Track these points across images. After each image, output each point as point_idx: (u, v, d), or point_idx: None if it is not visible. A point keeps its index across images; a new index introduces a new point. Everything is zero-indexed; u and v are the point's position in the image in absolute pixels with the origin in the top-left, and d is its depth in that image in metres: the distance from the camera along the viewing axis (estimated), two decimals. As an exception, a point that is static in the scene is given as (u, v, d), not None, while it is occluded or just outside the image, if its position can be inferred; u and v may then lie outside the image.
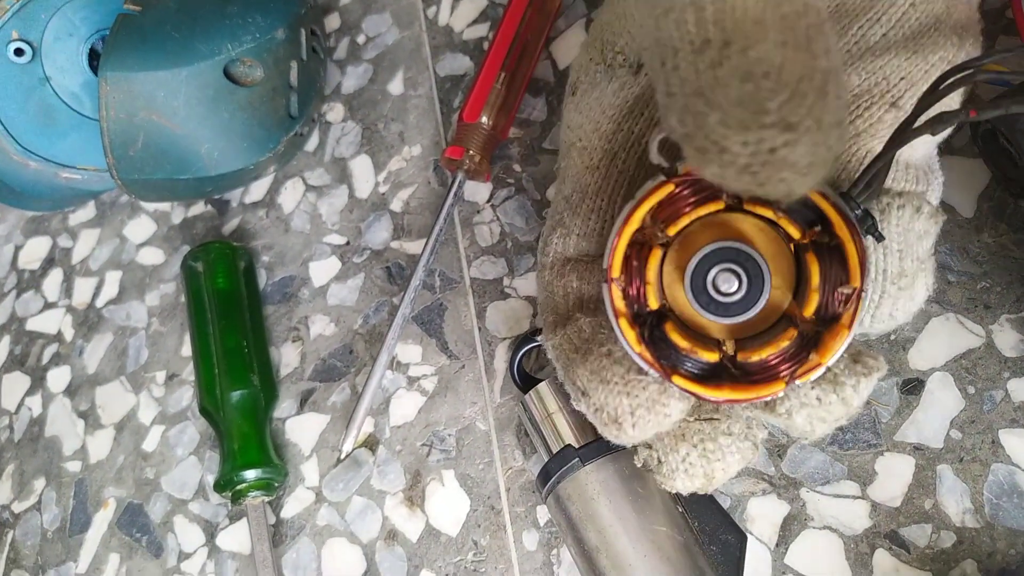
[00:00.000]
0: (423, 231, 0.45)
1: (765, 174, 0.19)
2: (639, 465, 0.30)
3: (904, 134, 0.25)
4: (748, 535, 0.33)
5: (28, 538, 0.47)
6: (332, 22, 0.53)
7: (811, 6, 0.20)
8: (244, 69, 0.42)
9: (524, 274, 0.42)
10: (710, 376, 0.26)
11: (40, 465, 0.49)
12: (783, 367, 0.25)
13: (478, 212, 0.44)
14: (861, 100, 0.29)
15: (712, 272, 0.25)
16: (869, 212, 0.25)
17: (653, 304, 0.26)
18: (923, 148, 0.29)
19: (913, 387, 0.33)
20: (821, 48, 0.20)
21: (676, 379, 0.26)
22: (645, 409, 0.27)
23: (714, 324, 0.26)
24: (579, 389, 0.29)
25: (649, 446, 0.29)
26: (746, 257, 0.25)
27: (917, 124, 0.25)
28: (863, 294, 0.24)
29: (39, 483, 0.49)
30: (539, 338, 0.32)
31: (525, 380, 0.38)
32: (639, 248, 0.26)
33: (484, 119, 0.42)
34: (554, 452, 0.33)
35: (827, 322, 0.25)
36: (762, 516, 0.33)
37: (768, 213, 0.24)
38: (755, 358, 0.25)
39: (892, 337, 0.34)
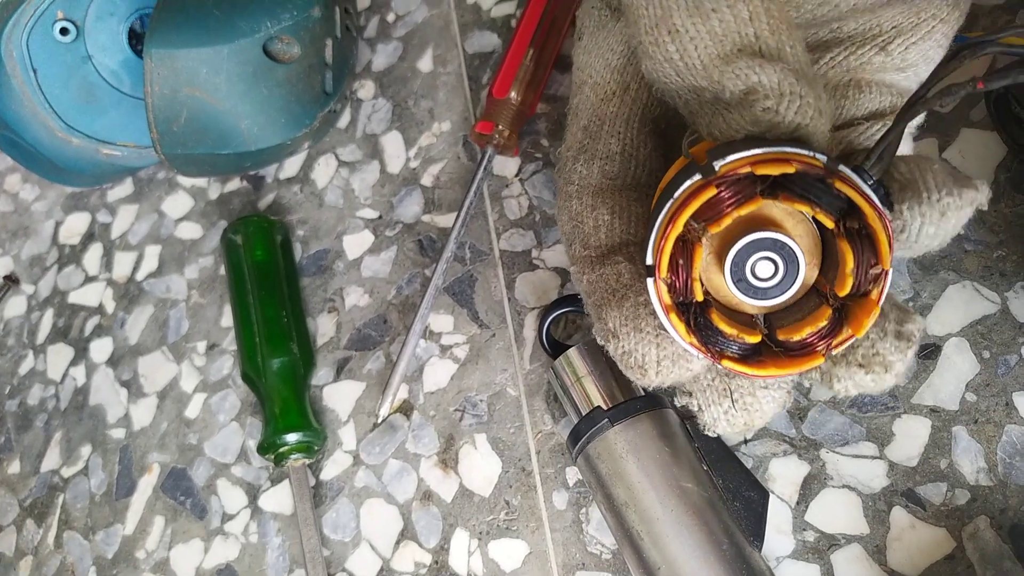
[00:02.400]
0: (453, 205, 0.46)
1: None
2: (679, 405, 0.32)
3: (913, 107, 0.26)
4: (770, 493, 0.34)
5: (78, 501, 0.49)
6: (362, 1, 0.54)
7: (759, 32, 0.27)
8: (282, 46, 0.44)
9: (552, 246, 0.43)
10: (752, 354, 0.28)
11: (86, 432, 0.51)
12: (820, 342, 0.27)
13: (507, 186, 0.45)
14: (855, 41, 0.31)
15: (750, 261, 0.26)
16: (882, 183, 0.27)
17: (699, 297, 0.27)
18: (899, 78, 0.32)
19: (930, 352, 0.34)
20: (783, 52, 0.27)
21: (724, 362, 0.27)
22: (671, 361, 0.29)
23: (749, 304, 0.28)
24: (609, 330, 0.30)
25: (689, 394, 0.31)
26: (781, 245, 0.26)
27: (930, 95, 0.26)
28: (889, 272, 0.26)
29: (85, 449, 0.51)
30: (571, 268, 0.33)
31: (554, 347, 0.39)
32: (682, 244, 0.27)
33: (513, 95, 0.43)
34: (584, 414, 0.35)
35: (857, 297, 0.26)
36: (783, 476, 0.35)
37: (804, 208, 0.25)
38: (796, 337, 0.27)
39: (911, 304, 0.35)
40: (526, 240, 0.44)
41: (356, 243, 0.48)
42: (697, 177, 0.26)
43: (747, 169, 0.25)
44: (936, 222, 0.27)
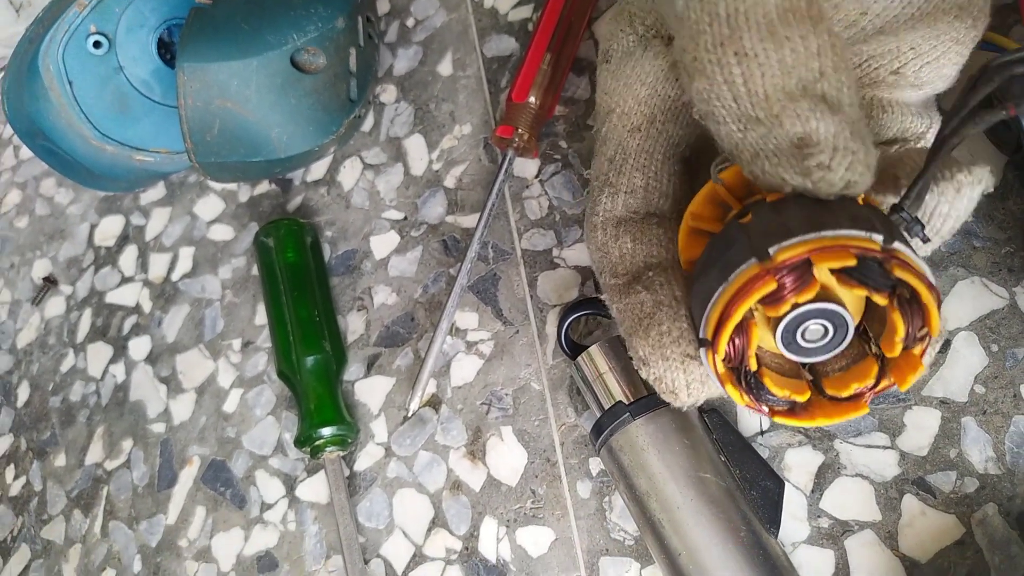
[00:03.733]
0: (476, 206, 0.48)
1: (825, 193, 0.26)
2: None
3: (945, 144, 0.26)
4: (786, 482, 0.36)
5: (121, 492, 0.52)
6: (382, 6, 0.56)
7: (824, 69, 0.26)
8: (308, 57, 0.45)
9: (572, 245, 0.44)
10: (802, 407, 0.30)
11: (127, 427, 0.54)
12: (867, 392, 0.29)
13: (527, 187, 0.47)
14: (872, 61, 0.32)
15: (801, 328, 0.27)
16: (918, 219, 0.27)
17: (753, 367, 0.28)
18: (915, 95, 0.33)
19: (940, 346, 0.36)
20: (842, 101, 0.26)
21: (776, 418, 0.30)
22: (699, 384, 0.31)
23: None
24: (640, 358, 0.32)
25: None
26: (833, 313, 0.27)
27: (956, 122, 0.26)
28: (935, 338, 0.27)
29: (127, 443, 0.53)
30: (603, 297, 0.35)
31: (573, 348, 0.41)
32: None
33: (532, 99, 0.45)
34: (606, 408, 0.37)
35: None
36: (798, 465, 0.36)
37: (862, 292, 0.26)
38: (844, 394, 0.29)
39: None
40: (547, 239, 0.45)
41: (383, 243, 0.50)
42: (753, 262, 0.26)
43: (805, 257, 0.25)
44: (951, 200, 0.28)
